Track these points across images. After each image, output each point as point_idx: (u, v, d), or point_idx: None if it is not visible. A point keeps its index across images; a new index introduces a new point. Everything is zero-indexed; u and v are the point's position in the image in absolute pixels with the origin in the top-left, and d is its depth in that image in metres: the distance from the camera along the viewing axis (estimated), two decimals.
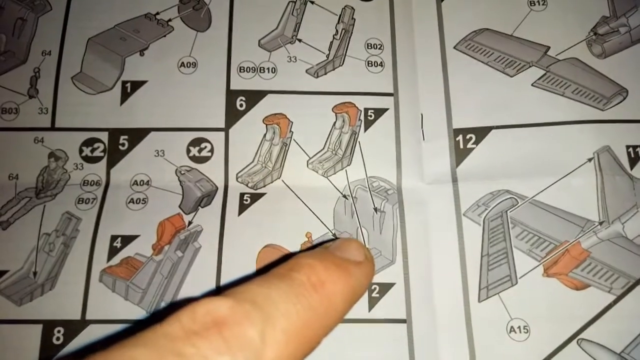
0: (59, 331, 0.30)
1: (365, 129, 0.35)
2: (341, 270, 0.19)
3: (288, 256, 0.32)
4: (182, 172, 0.34)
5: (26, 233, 0.32)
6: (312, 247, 0.32)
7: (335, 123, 0.35)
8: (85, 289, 0.31)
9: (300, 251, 0.32)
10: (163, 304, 0.31)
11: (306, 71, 0.36)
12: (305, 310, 0.17)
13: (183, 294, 0.31)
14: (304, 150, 0.34)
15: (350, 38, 0.36)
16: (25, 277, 0.31)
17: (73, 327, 0.30)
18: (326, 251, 0.20)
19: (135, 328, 0.26)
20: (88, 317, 0.30)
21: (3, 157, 0.34)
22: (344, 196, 0.33)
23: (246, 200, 0.33)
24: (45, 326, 0.30)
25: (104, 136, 0.34)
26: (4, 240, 0.32)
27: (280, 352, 0.16)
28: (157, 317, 0.28)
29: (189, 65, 0.36)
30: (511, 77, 0.35)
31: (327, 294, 0.18)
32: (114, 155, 0.34)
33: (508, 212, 0.33)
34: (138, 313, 0.31)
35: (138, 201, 0.33)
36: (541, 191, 0.33)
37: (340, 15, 0.37)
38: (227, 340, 0.15)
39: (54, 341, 0.30)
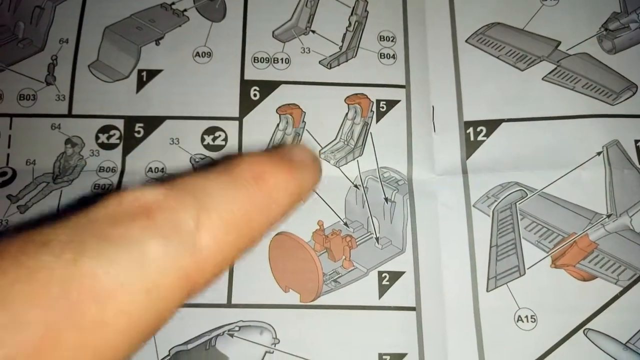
0: None
1: (377, 120, 0.35)
2: (286, 165, 0.18)
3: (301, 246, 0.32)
4: (197, 160, 0.34)
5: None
6: (324, 236, 0.33)
7: (347, 114, 0.35)
8: None
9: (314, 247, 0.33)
10: None
11: (319, 62, 0.36)
12: (244, 201, 0.16)
13: None
14: (316, 140, 0.35)
15: (363, 30, 0.37)
16: None
17: None
18: (271, 150, 0.19)
19: None
20: None
21: (21, 143, 0.34)
22: (355, 186, 0.34)
23: None
24: None
25: (120, 123, 0.35)
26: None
27: (218, 239, 0.15)
28: None
29: (203, 55, 0.36)
30: (522, 71, 0.36)
31: (269, 187, 0.17)
32: (130, 143, 0.35)
33: (517, 203, 0.33)
34: None
35: None
36: (550, 184, 0.33)
37: (353, 7, 0.37)
38: (158, 223, 0.14)
39: None
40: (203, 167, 0.16)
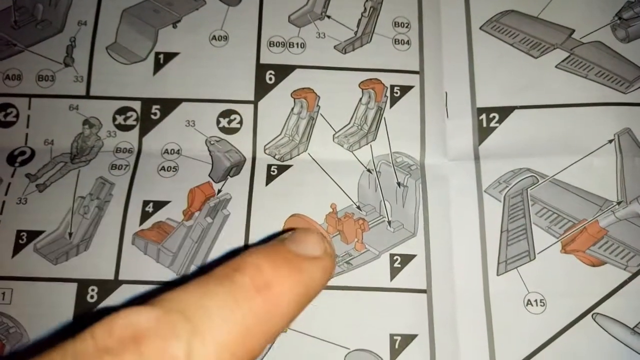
0: (93, 290, 0.32)
1: (391, 106, 0.36)
2: (292, 267, 0.17)
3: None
4: (212, 142, 0.35)
5: (62, 196, 0.33)
6: (337, 219, 0.33)
7: (361, 99, 0.35)
8: (119, 250, 0.32)
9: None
10: (193, 267, 0.32)
11: (334, 47, 0.36)
12: (244, 318, 0.15)
13: (212, 258, 0.32)
14: (330, 125, 0.35)
15: (378, 16, 0.37)
16: (60, 237, 0.32)
17: (107, 287, 0.32)
18: (278, 245, 0.18)
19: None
20: (121, 277, 0.32)
21: (39, 123, 0.35)
22: (368, 170, 0.34)
23: (273, 171, 0.34)
24: (80, 285, 0.32)
25: (137, 105, 0.35)
26: (40, 202, 0.33)
27: None
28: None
29: (220, 38, 0.36)
30: (536, 58, 0.36)
31: (273, 297, 0.16)
32: (146, 124, 0.35)
33: (528, 189, 0.34)
34: (169, 275, 0.32)
35: (169, 169, 0.34)
36: (562, 170, 0.34)
37: None
38: (145, 357, 0.13)
39: (89, 299, 0.31)
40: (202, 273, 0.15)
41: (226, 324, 0.15)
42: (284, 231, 0.33)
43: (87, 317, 0.31)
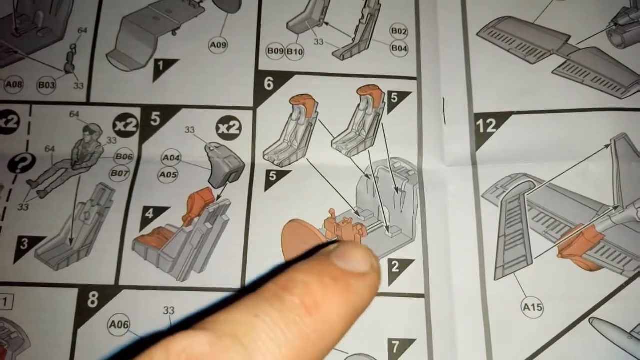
0: (93, 295, 0.32)
1: (389, 111, 0.36)
2: (340, 285, 0.17)
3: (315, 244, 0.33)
4: (211, 148, 0.35)
5: (63, 202, 0.34)
6: (336, 224, 0.33)
7: (359, 105, 0.36)
8: (119, 256, 0.32)
9: (328, 245, 0.34)
10: (193, 273, 0.32)
11: (332, 54, 0.37)
12: (296, 340, 0.15)
13: (212, 264, 0.32)
14: (328, 131, 0.35)
15: (375, 22, 0.37)
16: (62, 243, 0.33)
17: (107, 292, 0.32)
18: (325, 261, 0.18)
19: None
20: (121, 282, 0.32)
21: (40, 130, 0.35)
22: (367, 176, 0.35)
23: (272, 177, 0.34)
24: (80, 290, 0.32)
25: (137, 112, 0.36)
26: (41, 208, 0.33)
27: None
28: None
29: (219, 45, 0.37)
30: (532, 64, 0.36)
31: (323, 316, 0.16)
32: (146, 131, 0.35)
33: (525, 194, 0.34)
34: (169, 280, 0.32)
35: (169, 175, 0.34)
36: (558, 175, 0.34)
37: (366, 0, 0.38)
38: None
39: (89, 304, 0.32)
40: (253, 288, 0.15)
41: (279, 348, 0.15)
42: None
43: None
